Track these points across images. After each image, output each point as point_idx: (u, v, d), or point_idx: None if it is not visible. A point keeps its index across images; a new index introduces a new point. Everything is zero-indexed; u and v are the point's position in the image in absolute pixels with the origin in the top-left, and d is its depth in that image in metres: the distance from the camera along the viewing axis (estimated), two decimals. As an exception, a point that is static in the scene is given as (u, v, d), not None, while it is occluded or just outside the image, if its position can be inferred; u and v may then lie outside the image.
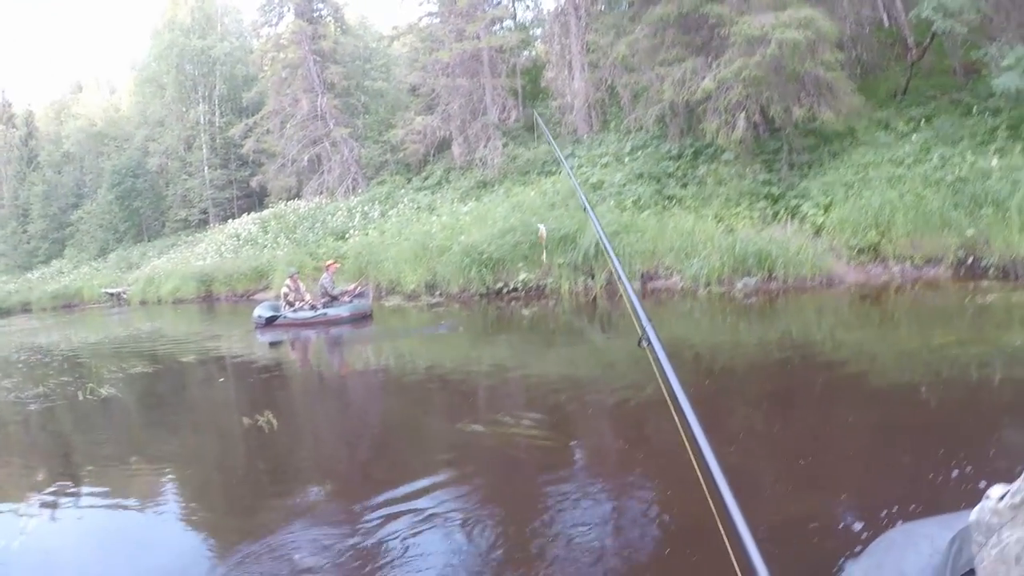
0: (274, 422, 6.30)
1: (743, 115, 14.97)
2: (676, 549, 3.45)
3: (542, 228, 12.82)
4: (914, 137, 14.63)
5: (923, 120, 15.22)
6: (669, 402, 1.62)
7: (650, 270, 14.62)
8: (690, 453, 1.46)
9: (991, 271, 11.15)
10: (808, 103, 14.73)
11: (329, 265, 15.06)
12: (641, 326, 1.90)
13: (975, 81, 15.37)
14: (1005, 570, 0.97)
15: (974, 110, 14.62)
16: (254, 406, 7.09)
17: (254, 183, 35.84)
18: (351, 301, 14.48)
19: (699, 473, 1.39)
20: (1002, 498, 1.01)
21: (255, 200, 38.47)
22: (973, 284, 10.80)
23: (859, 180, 13.92)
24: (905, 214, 12.38)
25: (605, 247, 2.67)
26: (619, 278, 2.31)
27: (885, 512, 3.35)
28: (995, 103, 13.98)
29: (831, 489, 3.90)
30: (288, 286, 14.62)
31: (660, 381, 1.70)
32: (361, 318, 14.24)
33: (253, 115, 35.84)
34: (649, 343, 1.83)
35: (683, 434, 1.51)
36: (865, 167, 14.29)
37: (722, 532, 1.27)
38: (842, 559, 2.90)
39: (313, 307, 14.29)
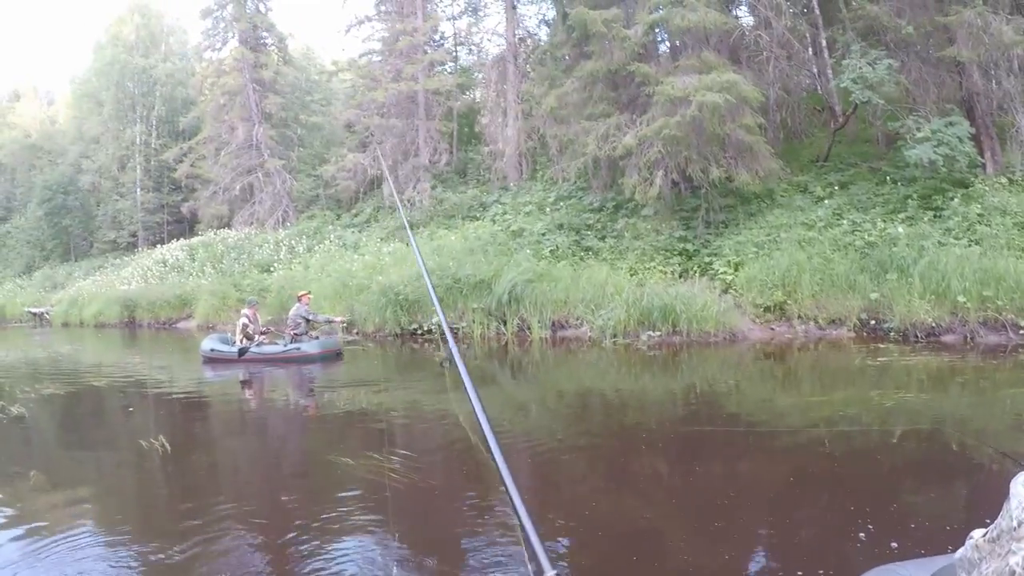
0: (180, 448, 6.20)
1: (661, 173, 14.94)
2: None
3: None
4: (828, 202, 14.76)
5: (839, 186, 15.36)
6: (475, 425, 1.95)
7: (561, 319, 14.53)
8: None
9: (892, 334, 11.34)
10: (726, 164, 14.76)
11: (302, 296, 13.90)
12: (448, 350, 2.44)
13: (894, 151, 15.52)
14: None
15: (889, 179, 14.78)
16: (172, 435, 6.89)
17: (185, 209, 35.03)
18: (319, 338, 13.29)
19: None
20: (984, 536, 1.13)
21: (186, 226, 37.30)
22: (874, 346, 10.87)
23: (770, 241, 14.02)
24: (812, 276, 12.51)
25: (427, 283, 3.37)
26: (434, 304, 3.09)
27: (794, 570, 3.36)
28: (910, 173, 14.15)
29: (744, 544, 3.90)
30: (247, 316, 13.23)
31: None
32: (332, 356, 12.99)
33: (189, 139, 35.10)
34: (452, 363, 2.30)
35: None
36: (778, 228, 14.39)
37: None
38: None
39: (264, 334, 13.24)
